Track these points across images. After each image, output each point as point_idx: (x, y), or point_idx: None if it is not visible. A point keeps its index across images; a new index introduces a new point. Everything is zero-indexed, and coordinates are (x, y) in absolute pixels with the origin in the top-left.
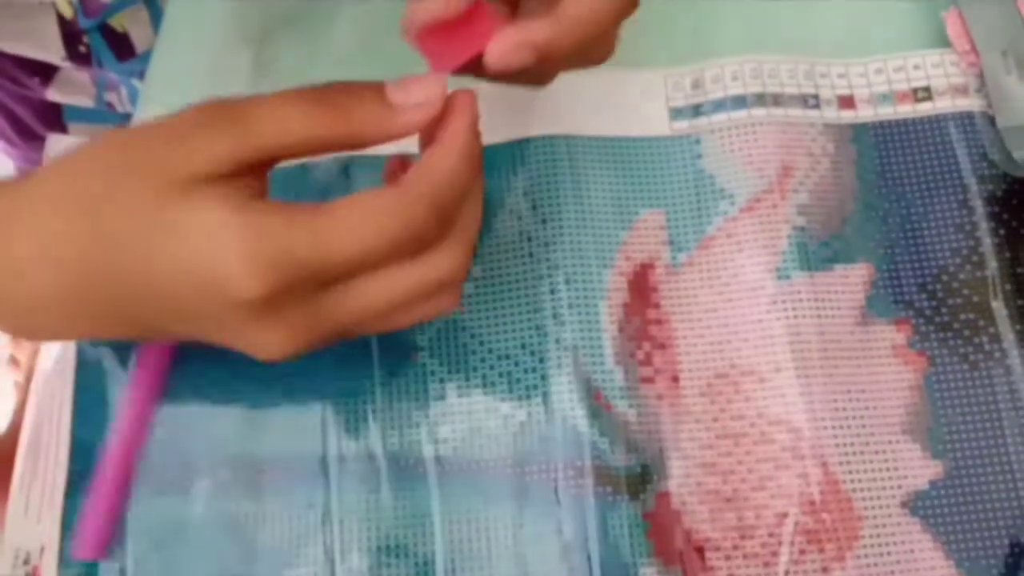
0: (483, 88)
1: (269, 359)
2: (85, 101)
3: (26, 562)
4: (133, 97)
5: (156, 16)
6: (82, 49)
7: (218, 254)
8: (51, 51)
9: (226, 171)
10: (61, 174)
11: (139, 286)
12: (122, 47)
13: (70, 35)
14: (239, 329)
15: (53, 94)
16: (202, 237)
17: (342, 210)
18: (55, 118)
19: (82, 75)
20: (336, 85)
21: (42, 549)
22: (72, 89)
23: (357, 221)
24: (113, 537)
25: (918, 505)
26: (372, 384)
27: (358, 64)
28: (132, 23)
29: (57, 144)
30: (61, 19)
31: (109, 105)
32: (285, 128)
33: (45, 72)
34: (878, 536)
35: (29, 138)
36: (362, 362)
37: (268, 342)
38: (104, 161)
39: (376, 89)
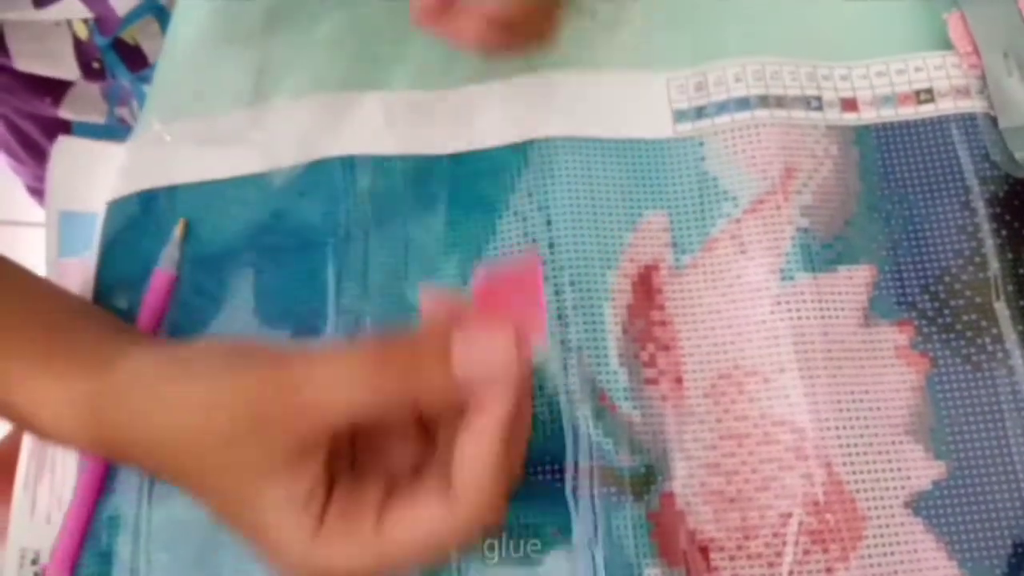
0: (490, 89)
1: None
2: (96, 118)
3: (34, 562)
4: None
5: (166, 28)
6: (95, 65)
7: (290, 559)
8: (66, 70)
9: (293, 460)
10: None
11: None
12: (134, 59)
13: (83, 54)
14: None
15: (64, 113)
16: (276, 539)
17: (402, 531)
18: (64, 134)
19: (93, 90)
20: (400, 343)
21: (53, 550)
22: (83, 107)
23: (419, 545)
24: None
25: (921, 505)
26: None
27: (351, 52)
28: (143, 36)
29: (64, 147)
30: (76, 40)
31: (121, 120)
32: (349, 402)
33: (56, 91)
34: (881, 536)
35: (37, 155)
36: None
37: None
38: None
39: (441, 349)
